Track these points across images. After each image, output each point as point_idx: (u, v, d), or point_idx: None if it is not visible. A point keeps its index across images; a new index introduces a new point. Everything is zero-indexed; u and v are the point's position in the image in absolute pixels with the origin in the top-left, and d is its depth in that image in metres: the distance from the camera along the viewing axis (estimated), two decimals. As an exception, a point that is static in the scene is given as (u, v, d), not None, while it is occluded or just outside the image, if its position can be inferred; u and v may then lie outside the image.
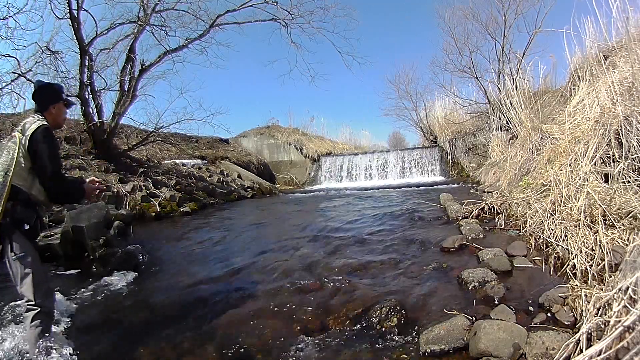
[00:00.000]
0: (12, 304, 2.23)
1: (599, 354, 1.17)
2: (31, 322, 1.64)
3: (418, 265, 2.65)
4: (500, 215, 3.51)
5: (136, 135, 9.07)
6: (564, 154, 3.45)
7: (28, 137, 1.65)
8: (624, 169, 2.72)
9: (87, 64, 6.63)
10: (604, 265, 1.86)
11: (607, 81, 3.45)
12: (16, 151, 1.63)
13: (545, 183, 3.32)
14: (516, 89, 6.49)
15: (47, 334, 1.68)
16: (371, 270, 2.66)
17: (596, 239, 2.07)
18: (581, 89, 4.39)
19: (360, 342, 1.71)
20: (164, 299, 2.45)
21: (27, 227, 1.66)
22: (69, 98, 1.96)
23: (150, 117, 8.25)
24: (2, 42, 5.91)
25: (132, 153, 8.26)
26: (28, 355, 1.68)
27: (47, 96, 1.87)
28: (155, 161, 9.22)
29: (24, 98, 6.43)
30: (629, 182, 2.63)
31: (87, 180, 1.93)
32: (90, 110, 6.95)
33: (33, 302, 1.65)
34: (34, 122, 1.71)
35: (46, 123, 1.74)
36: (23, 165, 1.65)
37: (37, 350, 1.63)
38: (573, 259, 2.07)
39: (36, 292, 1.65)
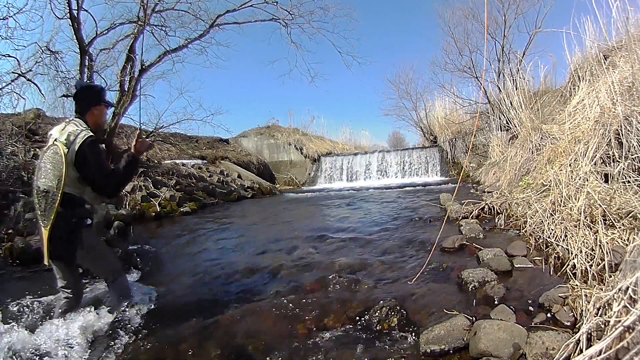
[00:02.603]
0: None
1: (599, 354, 1.17)
2: (115, 289, 2.08)
3: (418, 265, 2.65)
4: (500, 215, 3.51)
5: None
6: (564, 154, 3.45)
7: (75, 152, 1.77)
8: (624, 169, 2.71)
9: (87, 64, 6.62)
10: (604, 265, 1.86)
11: (607, 81, 3.45)
12: (64, 166, 1.75)
13: (545, 183, 3.32)
14: (516, 89, 6.49)
15: (128, 287, 2.19)
16: (371, 270, 2.66)
17: (596, 239, 2.07)
18: (581, 89, 4.39)
19: (360, 342, 1.71)
20: (164, 298, 2.45)
21: (89, 221, 1.91)
22: (109, 100, 2.14)
23: (150, 117, 8.25)
24: (2, 42, 5.90)
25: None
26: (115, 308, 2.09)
27: (89, 98, 1.97)
28: (155, 161, 9.21)
29: (24, 98, 6.41)
30: (629, 182, 2.63)
31: (132, 145, 2.06)
32: (90, 110, 6.95)
33: (111, 278, 2.06)
34: (79, 134, 1.80)
35: (90, 133, 1.84)
36: (72, 177, 1.80)
37: (123, 303, 2.09)
38: (573, 259, 2.06)
39: (110, 269, 2.06)
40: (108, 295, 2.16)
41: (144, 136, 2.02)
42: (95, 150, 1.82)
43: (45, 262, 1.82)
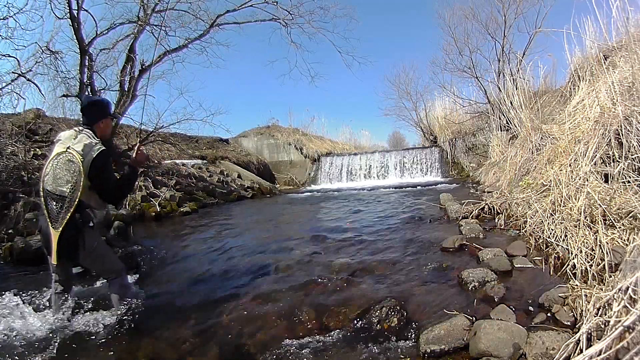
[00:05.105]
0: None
1: (599, 354, 1.17)
2: (114, 288, 2.11)
3: (418, 265, 2.64)
4: (500, 215, 3.52)
5: (136, 136, 9.06)
6: (564, 154, 3.44)
7: (90, 162, 1.89)
8: (624, 169, 2.71)
9: (87, 64, 6.61)
10: (604, 265, 1.86)
11: (607, 81, 3.45)
12: (82, 176, 1.87)
13: (545, 183, 3.32)
14: (516, 89, 6.48)
15: (128, 288, 2.23)
16: (371, 270, 2.66)
17: (596, 239, 2.07)
18: (581, 89, 4.39)
19: (360, 342, 1.71)
20: (164, 298, 2.45)
21: (92, 224, 2.01)
22: (115, 113, 2.18)
23: (150, 117, 8.24)
24: (2, 42, 5.90)
25: (132, 153, 8.25)
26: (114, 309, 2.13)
27: (97, 111, 2.09)
28: (155, 161, 9.21)
29: (24, 98, 6.40)
30: (629, 182, 2.63)
31: (132, 154, 2.22)
32: (91, 110, 6.93)
33: (112, 276, 2.10)
34: (94, 146, 1.92)
35: (103, 147, 1.98)
36: (84, 185, 1.91)
37: (122, 302, 2.13)
38: (573, 259, 2.07)
39: (110, 268, 2.10)
40: (109, 294, 2.17)
41: (142, 148, 2.08)
42: (108, 165, 2.00)
43: (54, 262, 1.90)
